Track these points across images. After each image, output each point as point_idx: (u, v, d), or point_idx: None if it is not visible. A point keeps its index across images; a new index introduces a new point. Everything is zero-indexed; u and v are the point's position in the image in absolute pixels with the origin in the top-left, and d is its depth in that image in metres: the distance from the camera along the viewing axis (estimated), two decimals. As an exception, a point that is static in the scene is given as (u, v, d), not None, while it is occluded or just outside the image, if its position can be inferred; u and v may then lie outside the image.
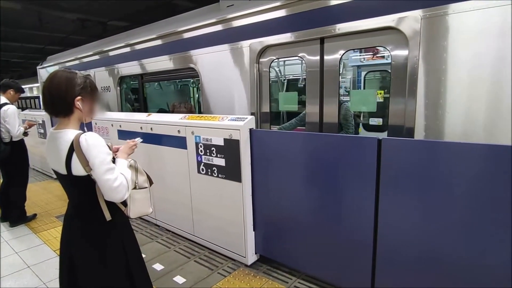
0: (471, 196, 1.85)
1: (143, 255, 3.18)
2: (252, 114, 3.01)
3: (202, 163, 3.14)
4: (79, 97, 1.51)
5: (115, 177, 1.46)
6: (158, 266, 3.07)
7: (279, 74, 5.94)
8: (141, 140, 2.00)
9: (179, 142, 3.34)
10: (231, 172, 2.89)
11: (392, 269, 2.22)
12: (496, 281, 1.84)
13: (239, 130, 2.75)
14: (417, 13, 2.02)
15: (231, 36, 3.09)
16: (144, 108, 4.68)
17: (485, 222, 1.82)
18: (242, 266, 3.04)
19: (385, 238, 2.21)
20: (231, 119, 2.90)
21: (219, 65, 3.24)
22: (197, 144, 3.14)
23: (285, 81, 6.18)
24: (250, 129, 2.80)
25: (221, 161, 2.95)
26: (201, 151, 3.12)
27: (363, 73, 5.71)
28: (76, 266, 1.61)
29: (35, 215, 4.46)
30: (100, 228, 1.58)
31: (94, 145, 1.44)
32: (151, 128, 3.64)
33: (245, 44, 2.97)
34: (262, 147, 2.80)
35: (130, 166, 1.71)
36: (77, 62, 5.73)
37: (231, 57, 3.13)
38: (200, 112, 3.55)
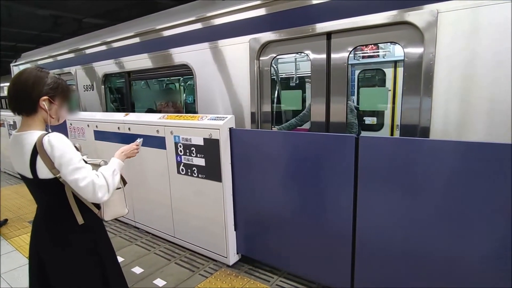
0: (446, 191, 1.90)
1: (122, 259, 3.15)
2: (252, 113, 2.90)
3: (182, 163, 3.09)
4: (45, 97, 1.44)
5: (83, 177, 1.38)
6: (137, 270, 3.00)
7: (276, 73, 5.88)
8: (141, 139, 1.98)
9: (158, 142, 3.27)
10: (211, 172, 2.86)
11: (370, 264, 2.26)
12: (472, 274, 1.90)
13: (218, 129, 2.72)
14: (434, 7, 1.94)
15: (229, 31, 2.93)
16: (131, 108, 4.43)
17: (460, 217, 1.88)
18: (223, 266, 3.02)
19: (364, 234, 2.25)
20: (210, 118, 2.87)
21: (216, 62, 3.08)
22: (176, 144, 3.09)
23: (278, 79, 6.13)
24: (230, 129, 2.79)
25: (201, 161, 2.92)
26: (180, 151, 3.07)
27: (356, 72, 5.64)
28: (48, 274, 1.54)
29: (6, 220, 4.25)
30: (72, 233, 1.52)
31: (58, 145, 1.37)
32: (129, 128, 3.55)
33: (244, 40, 2.83)
34: (242, 146, 2.78)
35: (99, 166, 1.63)
36: (56, 59, 5.44)
37: (229, 53, 2.97)
38: (194, 112, 3.39)
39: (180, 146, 3.05)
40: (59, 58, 5.37)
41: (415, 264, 2.08)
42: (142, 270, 3.00)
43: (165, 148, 3.21)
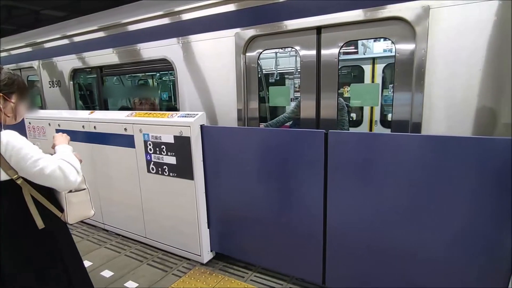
0: (411, 184, 2.00)
1: (90, 263, 3.04)
2: (239, 110, 2.79)
3: (152, 162, 3.01)
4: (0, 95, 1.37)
5: (46, 164, 1.32)
6: (107, 273, 2.90)
7: (261, 68, 5.76)
8: None
9: (126, 140, 3.16)
10: (183, 170, 2.81)
11: (341, 255, 2.34)
12: (435, 262, 2.02)
13: (189, 126, 2.68)
14: (426, 3, 1.94)
15: (213, 24, 2.78)
16: (104, 106, 4.12)
17: (424, 209, 1.98)
18: (197, 265, 2.99)
19: (334, 226, 2.32)
20: (181, 115, 2.82)
21: (199, 56, 2.93)
22: (145, 142, 3.00)
23: (263, 75, 6.03)
24: (201, 126, 2.75)
25: (172, 159, 2.86)
26: (150, 149, 2.99)
27: None
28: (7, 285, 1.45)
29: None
30: (32, 239, 1.44)
31: (13, 143, 1.30)
32: (94, 127, 3.39)
33: (230, 34, 2.70)
34: (213, 143, 2.76)
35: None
36: (15, 52, 4.97)
37: (214, 47, 2.83)
38: (173, 110, 3.22)
39: (150, 145, 2.97)
40: (20, 51, 4.90)
41: (384, 254, 2.17)
42: (112, 273, 2.90)
43: (134, 147, 3.11)
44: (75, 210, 1.59)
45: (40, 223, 1.43)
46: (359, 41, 5.27)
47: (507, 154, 1.70)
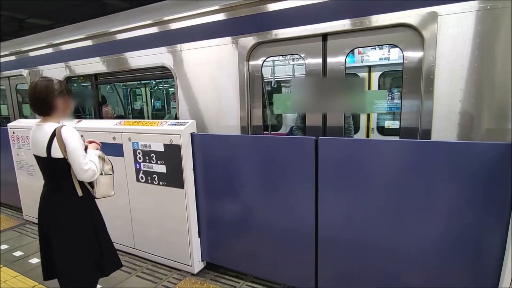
0: (402, 189, 2.04)
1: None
2: (241, 119, 2.72)
3: (141, 171, 2.97)
4: (58, 99, 1.91)
5: (85, 162, 1.90)
6: (94, 286, 2.81)
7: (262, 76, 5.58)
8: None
9: (114, 149, 3.10)
10: (173, 178, 2.78)
11: (333, 261, 2.35)
12: (426, 263, 2.07)
13: (179, 134, 2.66)
14: (435, 10, 1.92)
15: (215, 30, 2.72)
16: (99, 115, 4.00)
17: (416, 212, 2.02)
18: (188, 275, 2.93)
19: (325, 232, 2.33)
20: (171, 123, 2.81)
21: (201, 64, 2.85)
22: (135, 151, 2.96)
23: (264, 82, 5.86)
24: (191, 133, 2.74)
25: (161, 168, 2.83)
26: (139, 158, 2.95)
27: None
28: (52, 233, 1.95)
29: None
30: (73, 200, 1.96)
31: (70, 135, 1.87)
32: (82, 136, 3.31)
33: (233, 40, 2.65)
34: (204, 151, 2.75)
35: (99, 157, 2.08)
36: (3, 59, 4.79)
37: (216, 54, 2.75)
38: (174, 118, 3.13)
39: (139, 153, 2.93)
40: (7, 59, 4.74)
41: (377, 259, 2.19)
42: (100, 287, 2.80)
43: (122, 156, 3.06)
44: (102, 188, 2.09)
45: (79, 192, 1.97)
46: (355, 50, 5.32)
47: (488, 158, 1.78)
